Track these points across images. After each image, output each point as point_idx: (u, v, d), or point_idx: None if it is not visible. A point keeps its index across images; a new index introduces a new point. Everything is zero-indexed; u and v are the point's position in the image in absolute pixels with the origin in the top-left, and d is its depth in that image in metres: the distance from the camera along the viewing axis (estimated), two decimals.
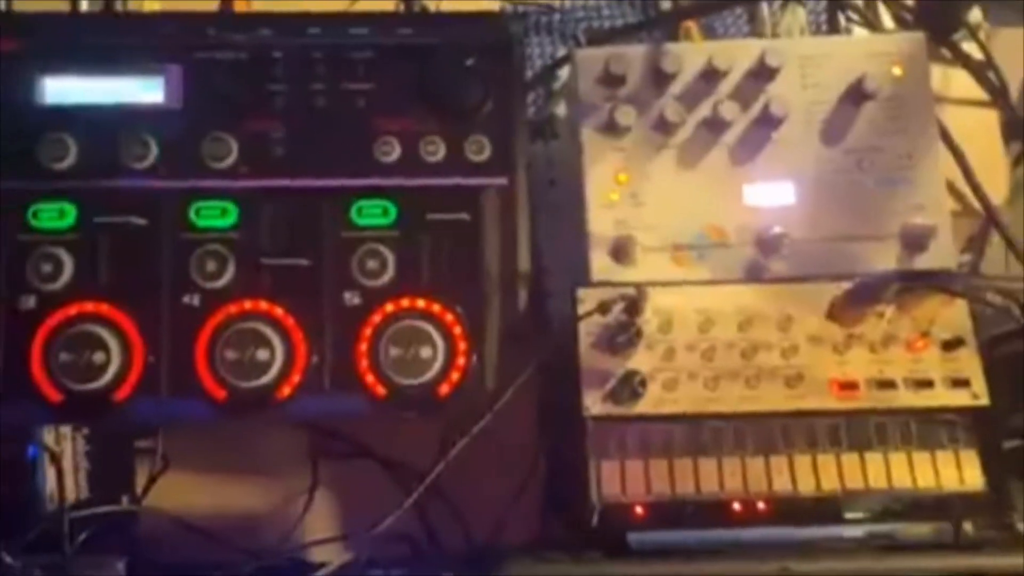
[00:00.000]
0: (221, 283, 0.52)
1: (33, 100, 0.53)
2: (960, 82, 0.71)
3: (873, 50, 0.56)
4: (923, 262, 0.54)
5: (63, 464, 0.63)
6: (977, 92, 0.71)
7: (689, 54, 0.56)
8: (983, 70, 0.69)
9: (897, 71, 0.56)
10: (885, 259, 0.54)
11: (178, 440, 0.64)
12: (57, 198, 0.52)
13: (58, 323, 0.51)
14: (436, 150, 0.54)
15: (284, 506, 0.65)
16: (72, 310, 0.51)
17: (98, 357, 0.51)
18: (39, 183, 0.52)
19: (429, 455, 0.53)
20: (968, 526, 0.49)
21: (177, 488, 0.65)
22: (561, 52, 0.65)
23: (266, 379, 0.51)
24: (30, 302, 0.51)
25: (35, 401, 0.51)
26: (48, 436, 0.63)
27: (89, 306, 0.52)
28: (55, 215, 0.52)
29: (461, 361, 0.52)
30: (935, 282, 0.48)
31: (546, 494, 0.58)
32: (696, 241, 0.54)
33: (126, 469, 0.64)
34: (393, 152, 0.53)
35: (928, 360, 0.51)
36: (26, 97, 0.53)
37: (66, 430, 0.65)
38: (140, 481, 0.64)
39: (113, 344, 0.51)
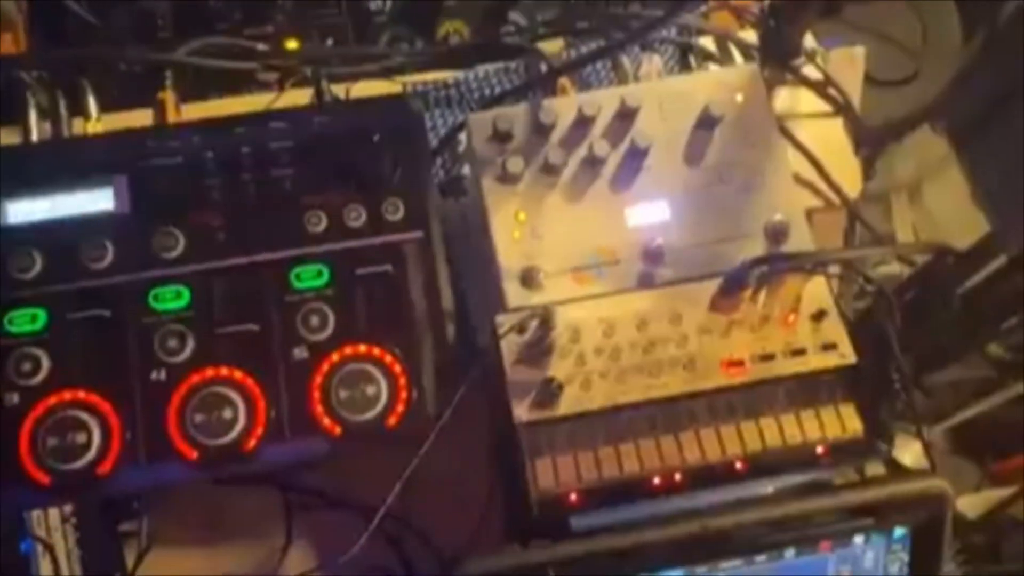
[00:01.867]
0: (183, 357, 0.59)
1: None
2: (811, 99, 0.82)
3: (716, 83, 0.66)
4: (785, 251, 0.62)
5: (57, 554, 0.69)
6: (826, 106, 0.82)
7: (562, 106, 0.65)
8: (824, 88, 0.80)
9: (739, 97, 0.66)
10: (752, 254, 0.62)
11: (160, 518, 0.70)
12: (28, 305, 0.59)
13: (41, 413, 0.57)
14: (358, 215, 0.62)
15: (266, 561, 0.71)
16: (52, 400, 0.57)
17: (80, 437, 0.57)
18: (10, 293, 0.59)
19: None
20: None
21: (164, 563, 0.70)
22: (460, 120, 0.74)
23: (232, 435, 0.57)
24: (14, 399, 0.57)
25: (26, 486, 0.56)
26: (39, 529, 0.69)
27: (67, 394, 0.58)
28: (28, 320, 0.59)
29: (403, 394, 0.59)
30: (783, 260, 0.57)
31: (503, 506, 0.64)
32: (592, 262, 0.62)
33: (115, 551, 0.70)
34: (321, 223, 0.61)
35: (800, 332, 0.60)
36: None
37: (56, 522, 0.70)
38: (129, 561, 0.69)
39: (93, 424, 0.57)
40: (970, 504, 0.94)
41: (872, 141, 0.85)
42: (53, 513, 0.69)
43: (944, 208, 1.34)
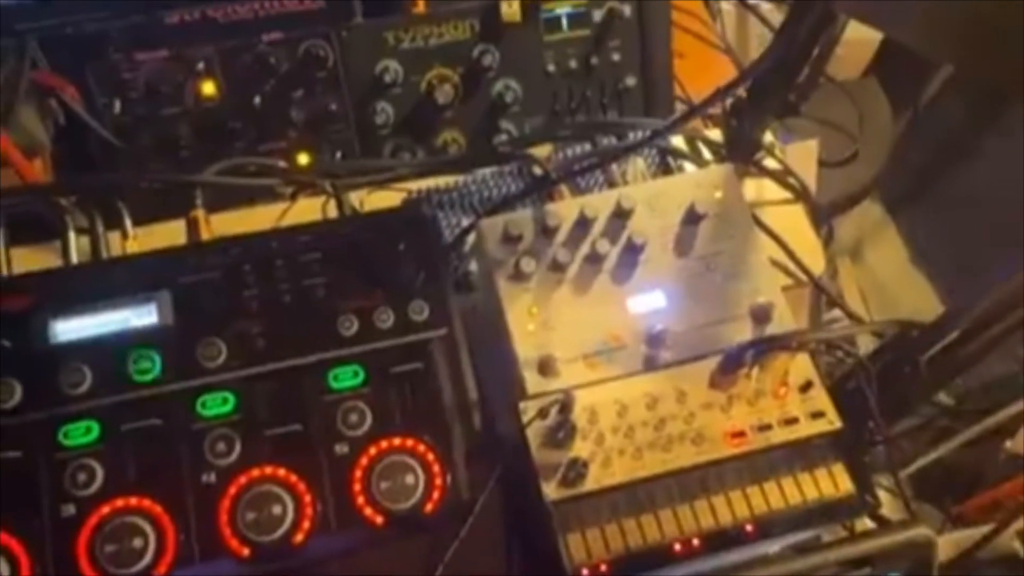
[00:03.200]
0: (231, 459, 0.62)
1: (48, 341, 0.64)
2: (772, 188, 0.92)
3: (698, 182, 0.75)
4: (770, 330, 0.70)
5: None
6: (786, 194, 0.92)
7: (565, 209, 0.72)
8: (784, 177, 0.90)
9: (718, 194, 0.75)
10: (742, 333, 0.69)
11: None
12: (81, 418, 0.63)
13: (97, 522, 0.60)
14: (387, 318, 0.67)
15: None
16: (106, 508, 0.61)
17: (136, 542, 0.60)
18: (63, 408, 0.63)
19: None
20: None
21: None
22: (464, 221, 0.81)
23: (282, 531, 0.61)
24: (70, 509, 0.61)
25: None
26: None
27: (120, 502, 0.61)
28: (82, 432, 0.62)
29: (439, 481, 0.64)
30: (772, 341, 0.64)
31: None
32: (601, 348, 0.69)
33: None
34: (353, 326, 0.67)
35: (791, 403, 0.67)
36: (42, 340, 0.64)
37: None
38: None
39: (148, 529, 0.60)
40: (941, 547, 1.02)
41: (824, 218, 0.94)
42: None
43: (884, 267, 1.46)
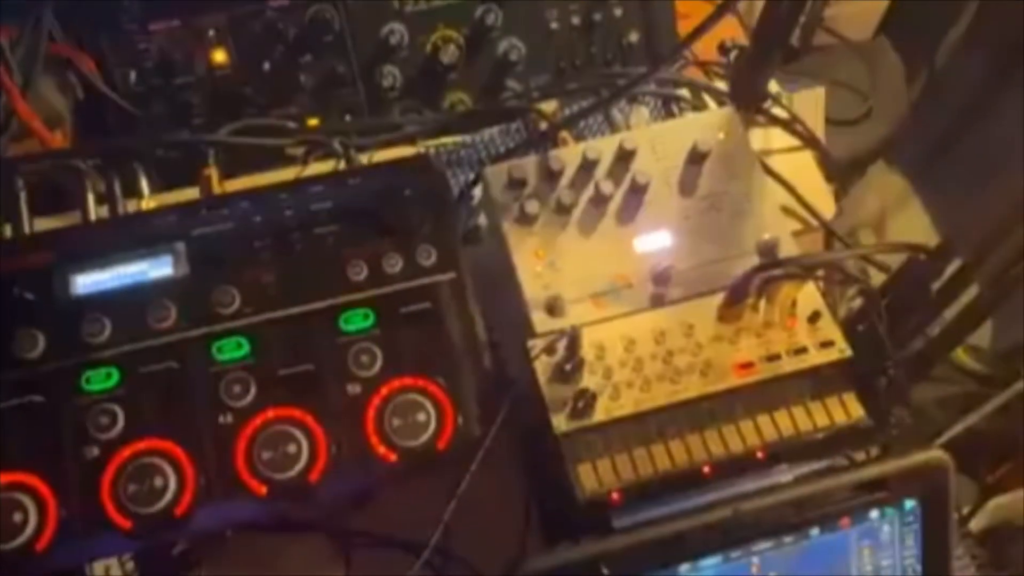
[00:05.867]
0: (247, 401, 0.64)
1: (69, 294, 0.66)
2: (781, 137, 0.92)
3: (700, 124, 0.75)
4: None
5: None
6: (795, 142, 0.92)
7: (569, 154, 0.73)
8: (791, 125, 0.90)
9: (721, 135, 0.75)
10: None
11: (218, 571, 0.74)
12: (102, 365, 0.65)
13: (120, 463, 0.62)
14: (396, 263, 0.68)
15: None
16: (128, 450, 0.62)
17: (157, 482, 0.62)
18: (84, 356, 0.64)
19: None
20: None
21: None
22: (472, 177, 0.82)
23: (297, 469, 0.62)
24: (94, 451, 0.62)
25: (110, 532, 0.61)
26: None
27: (141, 444, 0.63)
28: (103, 378, 0.64)
29: (450, 419, 0.65)
30: (777, 265, 0.64)
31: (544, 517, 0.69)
32: (608, 287, 0.70)
33: None
34: (363, 272, 0.68)
35: (799, 333, 0.67)
36: (63, 293, 0.66)
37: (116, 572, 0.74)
38: None
39: (168, 469, 0.62)
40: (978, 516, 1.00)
41: (838, 174, 0.94)
42: (116, 568, 0.73)
43: (908, 238, 1.44)
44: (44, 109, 0.79)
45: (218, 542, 0.73)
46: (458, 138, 0.85)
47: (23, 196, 0.72)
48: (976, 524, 1.00)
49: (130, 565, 0.74)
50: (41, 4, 0.75)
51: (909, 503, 0.63)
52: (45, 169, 0.74)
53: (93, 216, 0.74)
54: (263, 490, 0.62)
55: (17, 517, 0.60)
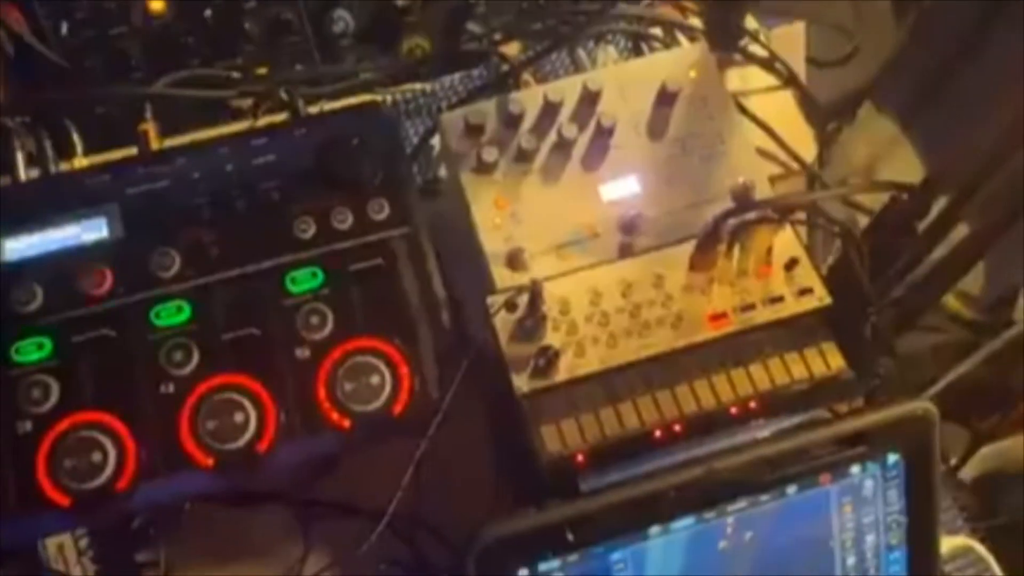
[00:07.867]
0: (189, 368, 0.60)
1: None
2: (760, 76, 0.87)
3: (668, 62, 0.70)
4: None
5: None
6: (774, 81, 0.87)
7: (529, 97, 0.68)
8: (770, 63, 0.85)
9: (692, 73, 0.70)
10: None
11: (176, 547, 0.71)
12: (33, 335, 0.61)
13: (55, 437, 0.58)
14: (345, 218, 0.64)
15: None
16: (64, 423, 0.59)
17: (96, 456, 0.58)
18: (14, 325, 0.61)
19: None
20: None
21: None
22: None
23: (246, 438, 0.59)
24: (27, 426, 0.59)
25: (48, 509, 0.57)
26: (57, 563, 0.69)
27: (77, 417, 0.59)
28: (34, 348, 0.60)
29: (406, 381, 0.61)
30: (749, 208, 0.60)
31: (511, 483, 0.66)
32: (573, 238, 0.65)
33: None
34: (310, 228, 0.64)
35: (776, 281, 0.63)
36: None
37: (73, 555, 0.71)
38: None
39: (107, 442, 0.58)
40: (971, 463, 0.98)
41: (823, 119, 0.89)
42: (70, 546, 0.70)
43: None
44: None
45: (174, 516, 0.70)
46: (417, 86, 0.80)
47: None
48: (967, 473, 0.97)
49: (84, 542, 0.71)
50: None
51: (892, 457, 0.60)
52: None
53: (23, 177, 0.69)
54: (210, 462, 0.59)
55: None
